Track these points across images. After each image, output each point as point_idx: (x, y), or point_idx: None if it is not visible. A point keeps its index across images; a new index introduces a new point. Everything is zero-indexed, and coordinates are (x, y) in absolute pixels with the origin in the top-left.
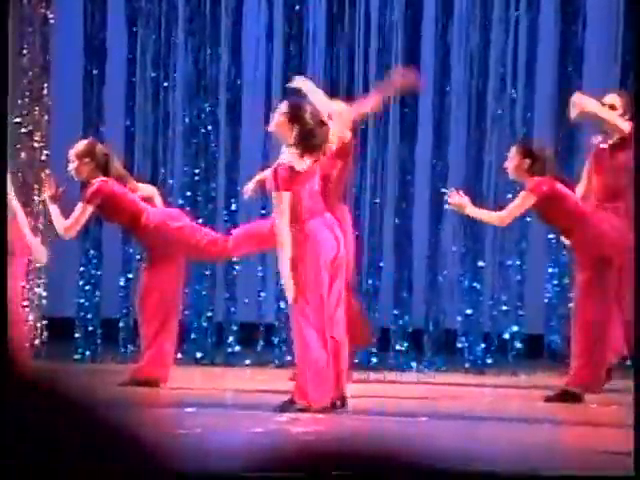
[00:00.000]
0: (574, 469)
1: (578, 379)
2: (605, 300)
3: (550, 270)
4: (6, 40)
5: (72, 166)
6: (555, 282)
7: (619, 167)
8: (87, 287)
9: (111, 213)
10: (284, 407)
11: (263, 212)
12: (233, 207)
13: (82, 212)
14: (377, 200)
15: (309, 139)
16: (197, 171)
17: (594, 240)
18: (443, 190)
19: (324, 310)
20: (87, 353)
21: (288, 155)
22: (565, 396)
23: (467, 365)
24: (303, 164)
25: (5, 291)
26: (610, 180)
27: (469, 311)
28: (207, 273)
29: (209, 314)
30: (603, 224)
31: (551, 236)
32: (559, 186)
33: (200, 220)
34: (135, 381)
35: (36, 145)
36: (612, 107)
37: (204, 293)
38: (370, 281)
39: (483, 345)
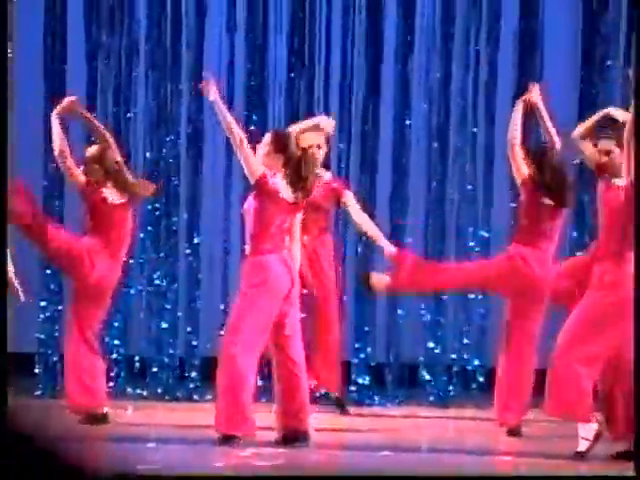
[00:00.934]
0: None
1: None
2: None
3: None
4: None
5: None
6: None
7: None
8: (47, 322)
9: None
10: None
11: (226, 245)
12: (195, 241)
13: None
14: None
15: (296, 168)
16: (158, 205)
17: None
18: (402, 222)
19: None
20: (47, 389)
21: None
22: None
23: (431, 398)
24: (290, 195)
25: (5, 291)
26: None
27: (431, 344)
28: (168, 307)
29: (170, 350)
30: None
31: None
32: None
33: (161, 255)
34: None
35: None
36: (608, 153)
37: (165, 327)
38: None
39: (445, 378)
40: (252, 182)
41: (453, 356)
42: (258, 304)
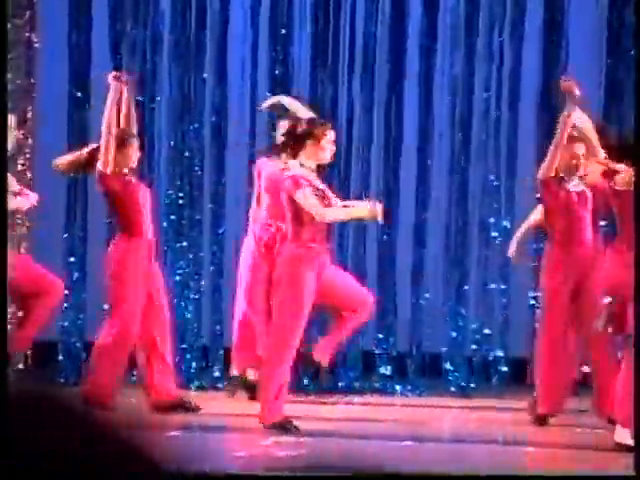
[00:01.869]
0: None
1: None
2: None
3: (533, 294)
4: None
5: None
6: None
7: None
8: (71, 310)
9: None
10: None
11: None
12: (220, 231)
13: None
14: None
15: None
16: (181, 194)
17: None
18: (425, 215)
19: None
20: (71, 376)
21: (298, 168)
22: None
23: (452, 389)
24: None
25: (5, 292)
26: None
27: (454, 334)
28: (193, 297)
29: (194, 338)
30: None
31: (534, 264)
32: None
33: (185, 244)
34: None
35: (20, 168)
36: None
37: (189, 317)
38: None
39: (467, 368)
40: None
41: (474, 346)
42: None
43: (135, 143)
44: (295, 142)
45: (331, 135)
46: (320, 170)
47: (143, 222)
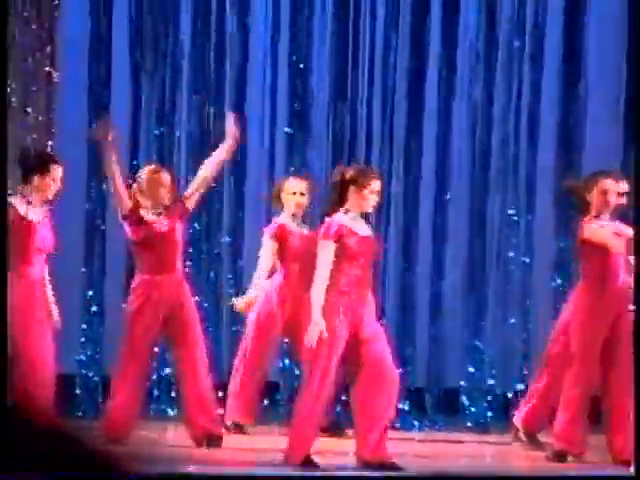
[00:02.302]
0: None
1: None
2: None
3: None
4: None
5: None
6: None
7: None
8: (88, 343)
9: None
10: None
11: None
12: (239, 263)
13: None
14: (380, 258)
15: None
16: (198, 227)
17: None
18: (444, 245)
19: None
20: (89, 410)
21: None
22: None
23: (470, 424)
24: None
25: (5, 293)
26: None
27: (472, 369)
28: (211, 329)
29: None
30: None
31: (553, 300)
32: None
33: (204, 277)
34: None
35: None
36: (621, 194)
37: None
38: None
39: (486, 404)
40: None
41: (491, 382)
42: None
43: (164, 180)
44: (340, 190)
45: (376, 185)
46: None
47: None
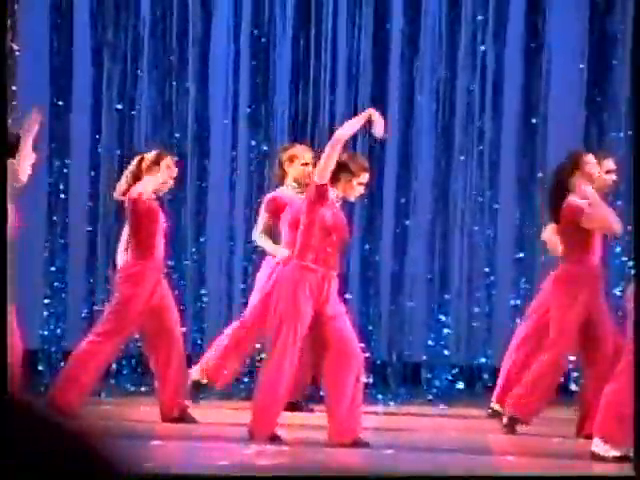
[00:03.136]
0: None
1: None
2: None
3: (513, 302)
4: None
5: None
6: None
7: None
8: (51, 319)
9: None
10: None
11: (231, 244)
12: (201, 239)
13: None
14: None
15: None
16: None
17: None
18: (407, 222)
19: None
20: (51, 385)
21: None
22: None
23: (431, 397)
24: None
25: (5, 293)
26: None
27: (434, 343)
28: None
29: None
30: None
31: (515, 273)
32: None
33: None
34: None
35: None
36: (609, 172)
37: None
38: None
39: (449, 377)
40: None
41: (453, 355)
42: None
43: (169, 167)
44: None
45: (364, 177)
46: None
47: (158, 244)
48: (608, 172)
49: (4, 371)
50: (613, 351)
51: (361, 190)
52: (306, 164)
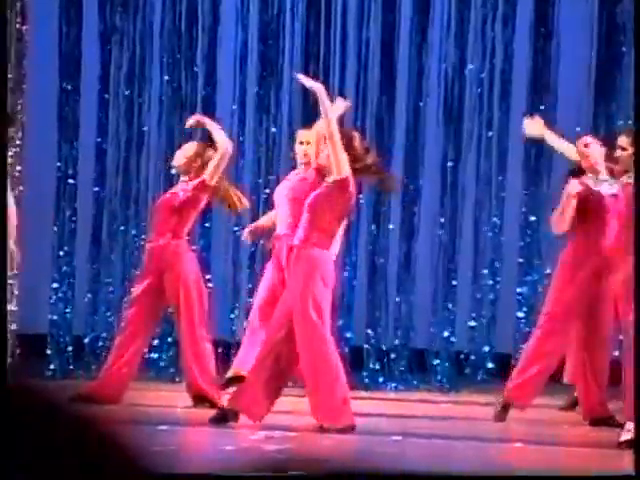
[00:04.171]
0: None
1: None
2: None
3: (519, 289)
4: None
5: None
6: (523, 301)
7: None
8: (59, 303)
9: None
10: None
11: (236, 229)
12: (207, 224)
13: None
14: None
15: (357, 166)
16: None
17: None
18: (415, 209)
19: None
20: (59, 370)
21: None
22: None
23: (438, 384)
24: None
25: (5, 289)
26: None
27: (440, 330)
28: None
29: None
30: None
31: (521, 260)
32: None
33: None
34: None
35: (10, 161)
36: (623, 148)
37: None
38: (345, 299)
39: (455, 364)
40: (338, 177)
41: (462, 342)
42: None
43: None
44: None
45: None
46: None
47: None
48: (623, 149)
49: (4, 359)
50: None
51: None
52: (301, 143)
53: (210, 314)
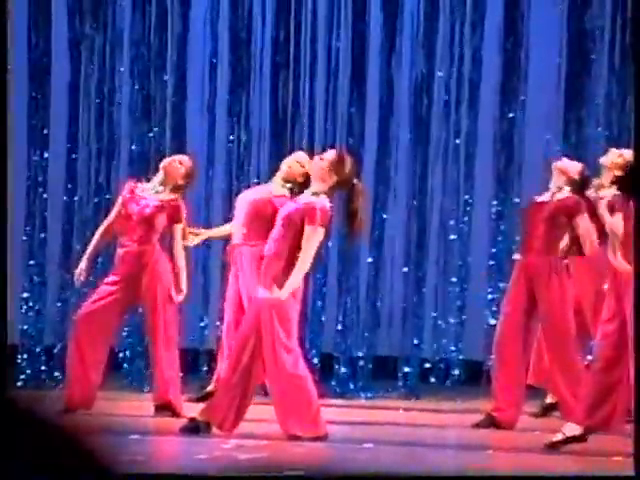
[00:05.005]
0: None
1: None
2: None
3: (490, 297)
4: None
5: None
6: (494, 308)
7: None
8: (30, 313)
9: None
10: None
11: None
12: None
13: None
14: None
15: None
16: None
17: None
18: (385, 216)
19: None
20: (30, 380)
21: (318, 199)
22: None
23: (408, 391)
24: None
25: (5, 292)
26: None
27: (410, 337)
28: None
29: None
30: None
31: (492, 263)
32: None
33: None
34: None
35: None
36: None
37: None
38: (316, 305)
39: (421, 371)
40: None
41: (430, 349)
42: None
43: None
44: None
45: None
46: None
47: None
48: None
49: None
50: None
51: None
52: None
53: (179, 322)
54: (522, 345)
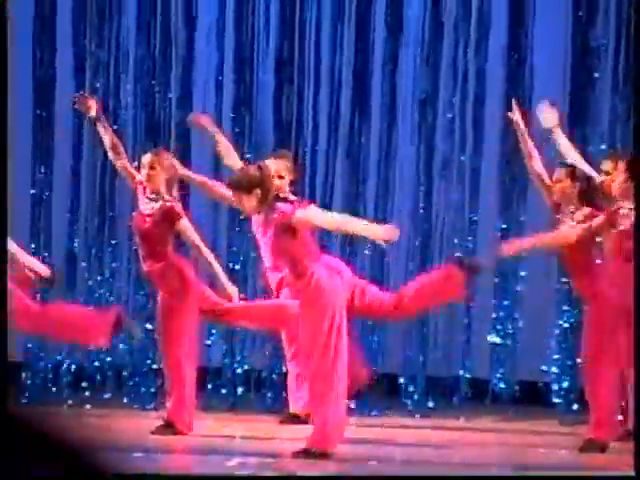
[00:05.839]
0: None
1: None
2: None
3: (494, 315)
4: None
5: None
6: (499, 327)
7: None
8: None
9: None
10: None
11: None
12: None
13: None
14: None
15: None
16: None
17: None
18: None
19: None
20: (35, 397)
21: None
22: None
23: (413, 409)
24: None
25: (5, 291)
26: None
27: (415, 355)
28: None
29: (149, 361)
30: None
31: (496, 280)
32: None
33: None
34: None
35: None
36: (607, 173)
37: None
38: None
39: (430, 389)
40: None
41: (437, 367)
42: None
43: None
44: None
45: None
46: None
47: None
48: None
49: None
50: None
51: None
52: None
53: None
54: None
